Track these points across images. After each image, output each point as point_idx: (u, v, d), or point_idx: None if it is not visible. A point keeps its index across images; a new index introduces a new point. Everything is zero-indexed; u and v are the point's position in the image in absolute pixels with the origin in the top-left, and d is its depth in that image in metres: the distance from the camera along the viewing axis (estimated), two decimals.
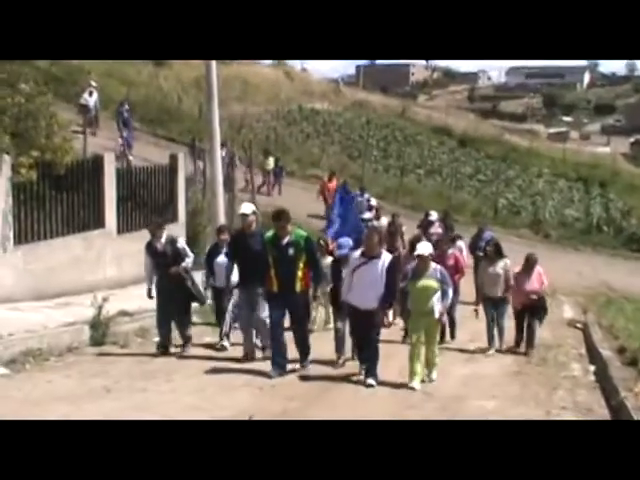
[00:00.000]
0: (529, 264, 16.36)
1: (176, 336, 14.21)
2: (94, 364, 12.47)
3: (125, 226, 19.46)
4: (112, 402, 10.26)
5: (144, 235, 18.19)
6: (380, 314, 12.46)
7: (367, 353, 12.42)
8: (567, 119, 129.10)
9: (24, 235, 16.86)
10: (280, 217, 12.51)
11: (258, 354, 13.65)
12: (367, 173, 44.64)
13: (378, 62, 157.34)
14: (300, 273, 12.45)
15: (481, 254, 20.00)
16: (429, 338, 12.66)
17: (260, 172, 37.21)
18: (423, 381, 12.46)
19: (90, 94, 36.67)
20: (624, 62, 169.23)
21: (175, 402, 10.41)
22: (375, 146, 56.19)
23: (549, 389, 12.89)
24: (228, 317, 14.59)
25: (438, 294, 12.56)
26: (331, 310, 16.07)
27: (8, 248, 16.04)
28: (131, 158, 27.79)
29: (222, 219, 17.55)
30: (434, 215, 24.71)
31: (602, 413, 11.39)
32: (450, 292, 12.92)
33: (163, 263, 13.67)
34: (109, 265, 17.77)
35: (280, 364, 12.45)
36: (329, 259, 15.54)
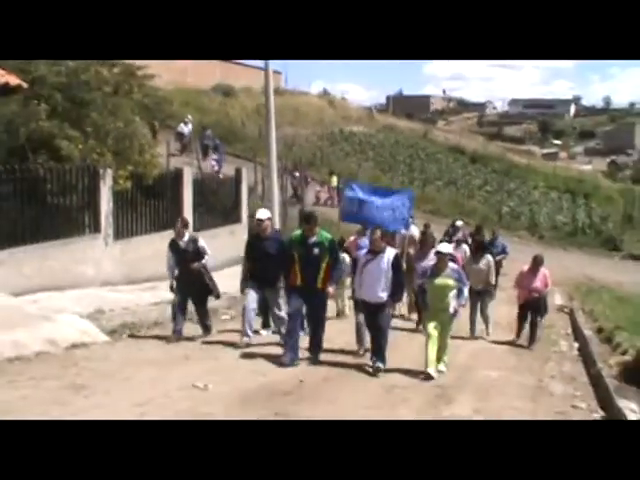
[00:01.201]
0: (535, 264, 15.07)
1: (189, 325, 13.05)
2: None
3: (199, 226, 19.63)
4: (191, 367, 10.38)
5: (214, 233, 18.40)
6: (390, 305, 11.47)
7: (377, 341, 11.18)
8: (557, 142, 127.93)
9: (121, 232, 17.17)
10: (309, 220, 11.68)
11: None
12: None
13: (404, 93, 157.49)
14: (322, 271, 11.39)
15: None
16: (443, 332, 11.49)
17: (327, 188, 39.38)
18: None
19: (185, 124, 37.35)
20: (602, 96, 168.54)
21: (239, 368, 10.50)
22: (402, 162, 56.04)
23: (541, 361, 12.92)
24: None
25: (454, 291, 11.45)
26: (347, 302, 15.61)
27: (109, 242, 16.30)
28: (221, 176, 27.91)
29: (277, 222, 17.57)
30: (459, 222, 24.73)
31: (583, 381, 11.46)
32: (466, 291, 11.71)
33: (184, 259, 12.57)
34: None
35: (294, 351, 11.20)
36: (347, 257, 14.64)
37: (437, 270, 11.61)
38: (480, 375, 11.52)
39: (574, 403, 9.92)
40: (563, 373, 12.08)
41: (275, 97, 19.78)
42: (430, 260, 13.31)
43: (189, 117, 39.12)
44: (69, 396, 8.54)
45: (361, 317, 11.89)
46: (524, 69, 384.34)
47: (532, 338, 14.81)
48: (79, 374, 9.58)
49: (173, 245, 12.73)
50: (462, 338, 14.36)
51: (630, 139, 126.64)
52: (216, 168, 27.45)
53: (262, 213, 12.55)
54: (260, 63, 16.09)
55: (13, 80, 12.50)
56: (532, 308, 15.00)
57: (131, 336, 12.44)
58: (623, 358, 11.68)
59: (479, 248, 16.40)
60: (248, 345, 11.97)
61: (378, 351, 11.08)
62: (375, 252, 11.17)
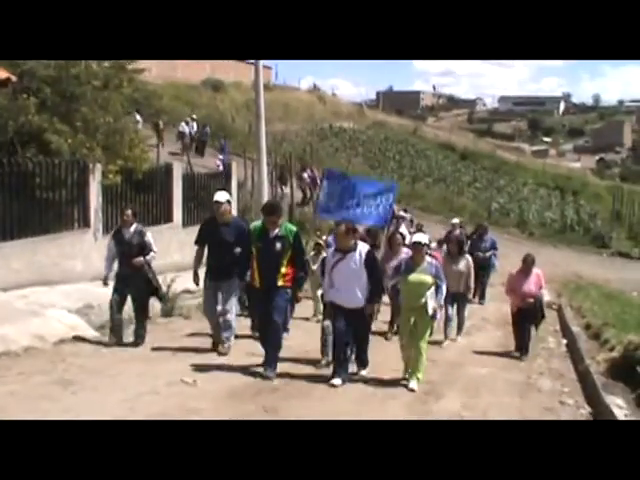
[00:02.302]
0: (526, 265, 13.40)
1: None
2: (164, 333, 12.50)
3: (189, 220, 19.59)
4: (179, 363, 10.35)
5: None
6: (369, 310, 10.02)
7: (359, 348, 10.23)
8: (547, 139, 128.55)
9: (111, 227, 17.07)
10: (272, 210, 10.09)
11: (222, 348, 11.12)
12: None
13: (394, 89, 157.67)
14: (284, 269, 9.89)
15: (481, 255, 18.97)
16: (419, 336, 10.04)
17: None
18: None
19: (187, 124, 37.35)
20: (591, 94, 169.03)
21: (226, 364, 10.44)
22: (392, 158, 56.28)
23: (530, 358, 12.94)
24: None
25: (432, 290, 9.99)
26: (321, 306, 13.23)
27: (98, 237, 16.23)
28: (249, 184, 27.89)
29: None
30: (455, 220, 23.67)
31: (571, 377, 11.50)
32: (444, 288, 10.24)
33: (128, 252, 11.34)
34: (175, 252, 17.84)
35: (274, 364, 9.85)
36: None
37: (412, 264, 10.19)
38: (469, 372, 11.54)
39: (562, 399, 9.97)
40: (551, 369, 12.12)
41: (265, 92, 19.82)
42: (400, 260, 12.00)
43: (194, 116, 39.28)
44: (57, 392, 8.53)
45: (328, 323, 10.43)
46: (514, 66, 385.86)
47: (522, 346, 13.22)
48: (67, 370, 9.57)
49: (117, 235, 11.66)
50: (437, 342, 13.12)
51: (619, 137, 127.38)
52: (221, 168, 27.41)
53: (221, 195, 11.16)
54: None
55: (2, 74, 12.43)
56: (527, 315, 13.29)
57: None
58: (611, 354, 11.72)
59: (459, 248, 14.75)
60: (228, 351, 11.00)
61: (360, 357, 10.37)
62: (343, 250, 9.78)
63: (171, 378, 9.31)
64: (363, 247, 9.88)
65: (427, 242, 10.50)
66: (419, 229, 17.29)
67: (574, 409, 9.49)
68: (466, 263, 14.34)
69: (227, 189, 22.63)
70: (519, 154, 74.81)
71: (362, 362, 10.42)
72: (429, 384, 10.21)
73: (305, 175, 34.51)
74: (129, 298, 11.56)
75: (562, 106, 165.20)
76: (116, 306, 11.41)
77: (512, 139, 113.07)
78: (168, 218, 19.08)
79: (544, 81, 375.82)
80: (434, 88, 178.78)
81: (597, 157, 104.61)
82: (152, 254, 11.57)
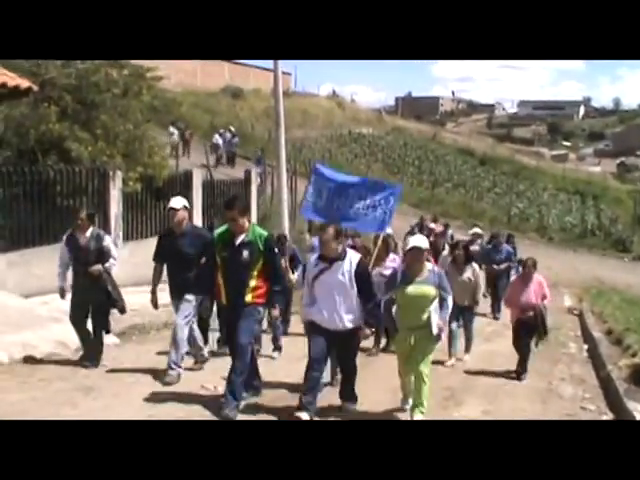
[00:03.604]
0: (525, 271, 11.90)
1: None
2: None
3: (209, 227, 19.67)
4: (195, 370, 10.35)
5: None
6: (364, 335, 8.42)
7: (345, 379, 8.65)
8: (566, 144, 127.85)
9: (131, 234, 17.23)
10: (231, 205, 8.28)
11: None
12: (404, 186, 44.62)
13: (413, 95, 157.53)
14: (254, 282, 8.16)
15: (496, 267, 18.14)
16: (419, 360, 8.24)
17: None
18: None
19: (220, 135, 37.22)
20: (612, 97, 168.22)
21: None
22: (411, 164, 56.24)
23: (551, 364, 12.86)
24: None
25: (435, 304, 8.25)
26: None
27: (118, 244, 16.31)
28: (268, 190, 27.76)
29: (286, 222, 17.55)
30: (476, 230, 21.59)
31: (593, 383, 11.41)
32: (450, 301, 8.43)
33: (84, 260, 9.95)
34: None
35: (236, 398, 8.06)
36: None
37: (410, 274, 8.34)
38: (489, 377, 11.48)
39: (583, 405, 9.90)
40: (573, 375, 12.03)
41: (284, 99, 19.81)
42: (387, 269, 11.23)
43: (231, 128, 39.11)
44: (78, 397, 8.57)
45: (316, 348, 8.15)
46: (533, 70, 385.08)
47: (522, 366, 11.62)
48: (88, 376, 9.60)
49: (70, 240, 10.15)
50: (440, 362, 11.67)
51: (639, 140, 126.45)
52: (258, 181, 27.36)
53: (175, 201, 9.80)
54: (269, 65, 15.96)
55: (23, 83, 12.52)
56: (527, 330, 11.65)
57: (140, 337, 12.45)
58: (633, 360, 11.65)
59: (466, 255, 12.78)
60: (177, 380, 9.48)
61: (347, 389, 8.68)
62: (329, 259, 8.10)
63: (191, 384, 9.31)
64: (354, 256, 8.23)
65: (427, 247, 8.48)
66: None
67: (596, 415, 9.42)
68: (473, 272, 12.56)
69: (247, 196, 22.77)
70: (539, 159, 74.54)
71: (349, 396, 8.71)
72: (449, 390, 10.18)
73: None
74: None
75: (582, 110, 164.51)
76: (80, 324, 10.21)
77: (532, 144, 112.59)
78: None
79: (563, 85, 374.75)
80: (453, 93, 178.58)
81: (617, 161, 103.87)
82: (112, 261, 10.19)
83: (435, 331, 8.14)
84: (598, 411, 9.64)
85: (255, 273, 8.18)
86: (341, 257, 8.08)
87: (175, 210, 9.63)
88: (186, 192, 19.41)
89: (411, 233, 17.65)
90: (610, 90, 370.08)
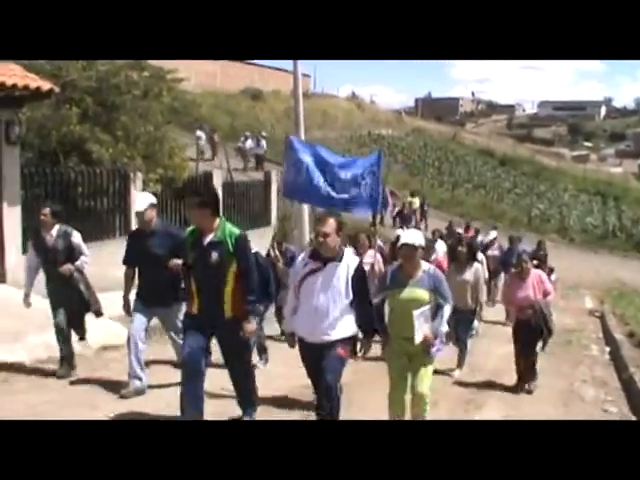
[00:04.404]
0: (522, 265, 10.62)
1: None
2: None
3: None
4: (219, 370, 10.35)
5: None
6: (346, 350, 6.76)
7: (325, 406, 6.67)
8: (587, 144, 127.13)
9: None
10: (193, 193, 7.19)
11: None
12: (425, 187, 44.60)
13: (433, 96, 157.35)
14: (230, 289, 6.99)
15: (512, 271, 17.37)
16: (417, 380, 7.13)
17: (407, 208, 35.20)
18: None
19: (246, 139, 37.14)
20: (633, 97, 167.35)
21: (265, 372, 10.42)
22: (431, 165, 56.09)
23: (572, 365, 12.82)
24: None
25: (424, 309, 6.95)
26: None
27: None
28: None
29: (306, 223, 17.53)
30: (493, 234, 21.21)
31: (615, 385, 11.36)
32: (448, 309, 7.18)
33: (53, 261, 9.28)
34: None
35: (195, 407, 7.00)
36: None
37: (402, 275, 7.22)
38: (510, 379, 11.42)
39: (605, 408, 9.86)
40: (595, 377, 11.97)
41: (304, 100, 19.79)
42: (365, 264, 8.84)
43: (263, 133, 38.98)
44: (100, 398, 8.59)
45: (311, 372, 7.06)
46: (553, 71, 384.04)
47: (527, 374, 10.72)
48: (110, 376, 9.63)
49: (36, 240, 9.50)
50: (447, 373, 11.08)
51: None
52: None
53: (141, 202, 8.88)
54: (289, 66, 15.95)
55: (45, 85, 12.62)
56: (527, 332, 10.49)
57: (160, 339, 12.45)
58: None
59: (470, 253, 11.62)
60: (139, 393, 8.79)
61: (323, 406, 6.76)
62: (323, 258, 6.74)
63: (211, 387, 9.30)
64: (351, 258, 6.87)
65: (421, 244, 7.22)
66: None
67: (618, 418, 9.37)
68: (475, 272, 11.33)
69: (267, 197, 22.84)
70: (559, 159, 74.15)
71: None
72: (470, 392, 10.15)
73: None
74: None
75: (603, 110, 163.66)
76: (61, 331, 9.62)
77: (552, 144, 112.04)
78: None
79: (584, 85, 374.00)
80: (473, 94, 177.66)
81: (639, 161, 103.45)
82: (83, 258, 9.47)
83: (418, 340, 6.89)
84: (620, 414, 9.60)
85: (230, 278, 7.01)
86: (338, 258, 6.71)
87: (141, 213, 8.74)
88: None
89: (433, 240, 16.43)
90: (632, 90, 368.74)
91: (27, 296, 9.58)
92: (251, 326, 7.10)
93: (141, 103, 17.78)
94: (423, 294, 7.04)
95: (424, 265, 7.26)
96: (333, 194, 10.67)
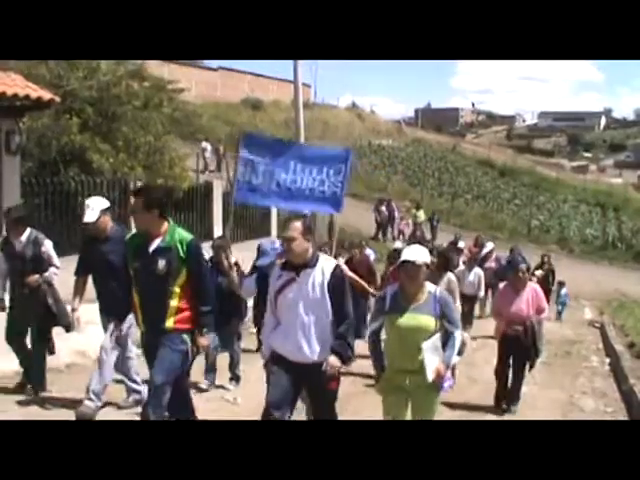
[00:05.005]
0: (519, 276, 9.89)
1: None
2: None
3: (230, 238, 19.74)
4: (219, 379, 10.34)
5: (244, 246, 18.44)
6: (330, 370, 5.79)
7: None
8: (587, 155, 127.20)
9: None
10: (138, 193, 6.60)
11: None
12: (424, 198, 44.62)
13: (433, 106, 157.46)
14: (176, 301, 6.33)
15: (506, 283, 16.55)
16: (418, 415, 6.23)
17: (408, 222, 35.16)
18: None
19: None
20: (633, 108, 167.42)
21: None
22: (431, 175, 56.18)
23: (572, 377, 12.81)
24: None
25: (434, 339, 6.05)
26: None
27: None
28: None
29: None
30: (489, 246, 20.10)
31: (615, 397, 11.34)
32: (458, 337, 6.23)
33: (21, 269, 8.69)
34: None
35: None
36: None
37: (404, 298, 6.21)
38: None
39: (605, 419, 9.82)
40: (594, 389, 11.96)
41: (304, 110, 19.82)
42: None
43: None
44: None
45: (276, 390, 5.99)
46: (552, 82, 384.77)
47: (512, 394, 10.05)
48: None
49: (5, 248, 8.90)
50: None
51: None
52: None
53: (92, 206, 8.14)
54: (289, 76, 15.92)
55: (46, 94, 12.63)
56: (513, 348, 9.81)
57: None
58: None
59: (444, 262, 10.38)
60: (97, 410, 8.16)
61: None
62: (295, 266, 6.00)
63: (210, 396, 9.30)
64: (327, 263, 6.09)
65: (426, 261, 6.18)
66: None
67: None
68: (448, 283, 9.83)
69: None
70: (559, 170, 74.28)
71: None
72: (469, 403, 10.13)
73: (383, 208, 33.67)
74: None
75: (603, 121, 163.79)
76: (16, 343, 9.03)
77: (552, 155, 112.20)
78: (208, 235, 19.19)
79: (583, 96, 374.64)
80: (473, 105, 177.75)
81: (639, 172, 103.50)
82: (52, 270, 8.92)
83: (430, 377, 6.01)
84: None
85: (176, 289, 6.34)
86: (311, 263, 5.95)
87: (90, 224, 8.11)
88: (206, 203, 19.53)
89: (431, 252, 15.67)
90: (631, 101, 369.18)
91: (2, 301, 9.03)
92: (204, 340, 6.56)
93: (142, 113, 17.79)
94: (427, 320, 6.08)
95: (429, 286, 6.25)
96: (292, 192, 10.17)
